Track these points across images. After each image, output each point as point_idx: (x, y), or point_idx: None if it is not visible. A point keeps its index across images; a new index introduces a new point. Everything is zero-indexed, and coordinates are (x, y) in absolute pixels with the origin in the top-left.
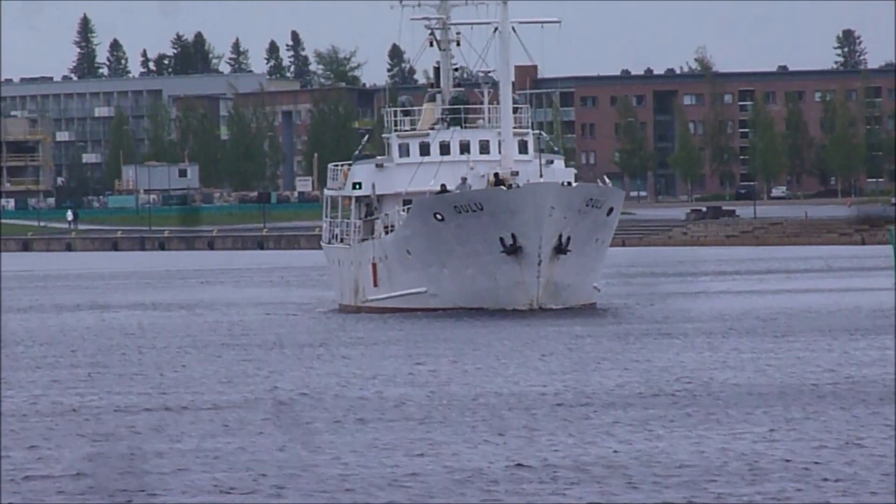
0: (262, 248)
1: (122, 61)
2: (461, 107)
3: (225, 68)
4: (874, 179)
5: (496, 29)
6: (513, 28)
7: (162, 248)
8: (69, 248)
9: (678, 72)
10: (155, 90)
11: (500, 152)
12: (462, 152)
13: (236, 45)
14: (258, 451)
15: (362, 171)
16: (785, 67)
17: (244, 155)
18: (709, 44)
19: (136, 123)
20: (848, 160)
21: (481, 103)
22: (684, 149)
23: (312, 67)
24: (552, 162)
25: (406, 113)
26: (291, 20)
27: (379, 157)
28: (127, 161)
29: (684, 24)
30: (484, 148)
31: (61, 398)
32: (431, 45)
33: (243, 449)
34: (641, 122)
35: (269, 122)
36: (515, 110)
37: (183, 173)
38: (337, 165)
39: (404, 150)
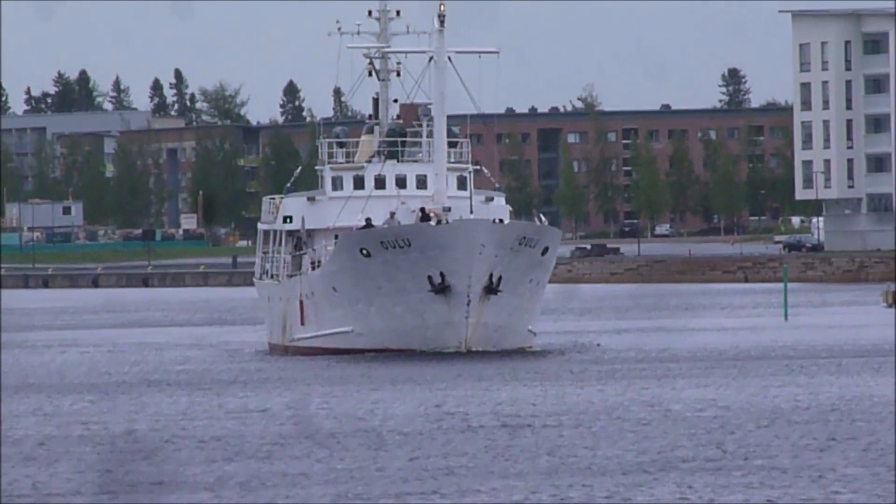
0: (147, 285)
1: (3, 97)
2: (398, 139)
3: (108, 107)
4: (756, 217)
5: (431, 58)
6: (449, 58)
7: (46, 285)
8: None
9: (562, 110)
10: (39, 127)
11: None
12: (398, 187)
13: (117, 83)
14: None
15: (293, 205)
16: (668, 106)
17: (129, 192)
18: (594, 83)
19: (20, 161)
20: (730, 198)
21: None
22: (569, 186)
23: (199, 105)
24: (492, 199)
25: (341, 145)
26: (177, 58)
27: (311, 191)
28: (11, 198)
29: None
30: (421, 183)
31: None
32: (370, 74)
33: None
34: (526, 160)
35: (155, 160)
36: (454, 144)
37: (67, 210)
38: (272, 198)
39: (338, 184)
